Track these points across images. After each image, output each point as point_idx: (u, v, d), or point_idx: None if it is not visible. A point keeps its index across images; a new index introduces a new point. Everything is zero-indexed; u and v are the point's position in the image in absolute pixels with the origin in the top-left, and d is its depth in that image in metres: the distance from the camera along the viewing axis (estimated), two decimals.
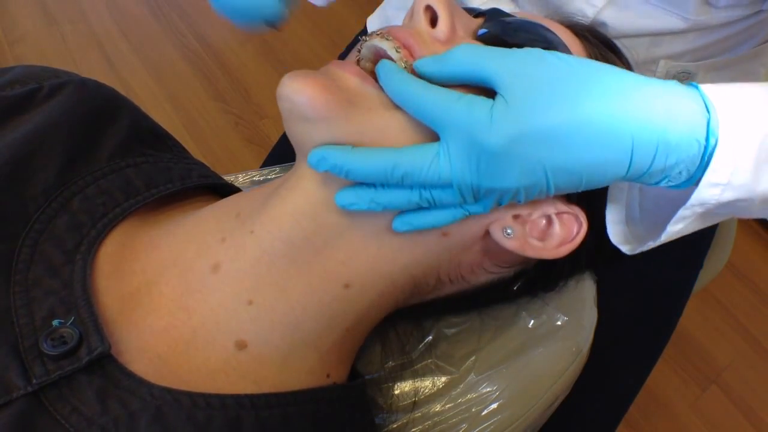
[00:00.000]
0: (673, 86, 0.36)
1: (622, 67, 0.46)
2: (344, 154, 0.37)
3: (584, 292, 0.57)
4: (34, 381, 0.36)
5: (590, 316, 0.56)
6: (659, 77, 0.64)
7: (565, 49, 0.43)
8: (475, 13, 0.46)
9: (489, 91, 0.36)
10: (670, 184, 0.37)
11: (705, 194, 0.36)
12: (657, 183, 0.37)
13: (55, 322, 0.38)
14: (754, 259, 1.46)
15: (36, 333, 0.38)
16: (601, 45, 0.47)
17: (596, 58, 0.44)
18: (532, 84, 0.34)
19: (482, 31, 0.43)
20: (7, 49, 1.75)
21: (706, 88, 0.36)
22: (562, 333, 0.55)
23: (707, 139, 0.35)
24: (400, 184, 0.37)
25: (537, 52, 0.36)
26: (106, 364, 0.37)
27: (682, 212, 0.38)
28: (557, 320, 0.55)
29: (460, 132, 0.35)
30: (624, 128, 0.34)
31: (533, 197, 0.37)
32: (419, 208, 0.39)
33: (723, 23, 0.60)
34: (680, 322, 0.73)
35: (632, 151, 0.34)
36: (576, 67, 0.35)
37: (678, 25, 0.60)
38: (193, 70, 1.76)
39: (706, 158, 0.35)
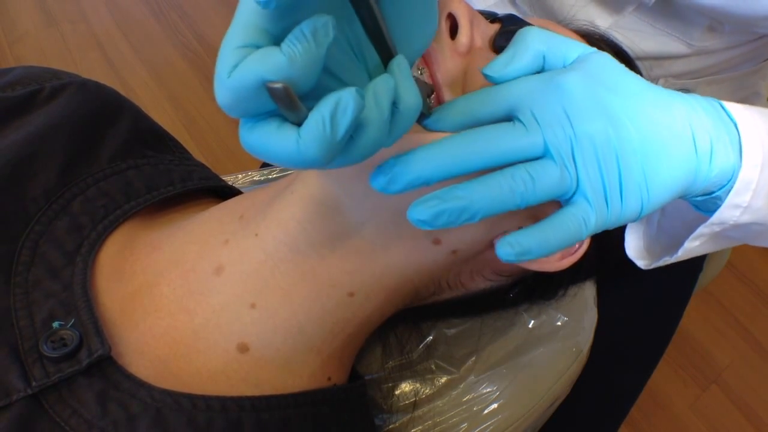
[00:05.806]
0: (712, 111, 0.35)
1: None
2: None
3: (584, 292, 0.57)
4: (34, 383, 0.36)
5: (590, 316, 0.56)
6: None
7: None
8: (491, 18, 0.45)
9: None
10: (688, 198, 0.38)
11: (726, 215, 0.37)
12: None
13: (55, 324, 0.38)
14: (754, 259, 1.45)
15: (36, 335, 0.38)
16: (615, 56, 0.47)
17: None
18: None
19: (500, 42, 0.41)
20: (7, 49, 1.75)
21: (734, 111, 0.36)
22: (562, 333, 0.55)
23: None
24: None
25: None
26: (106, 367, 0.37)
27: (701, 230, 0.38)
28: (557, 320, 0.55)
29: None
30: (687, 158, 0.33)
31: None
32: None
33: (726, 47, 0.60)
34: (680, 322, 0.73)
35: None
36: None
37: (682, 50, 0.60)
38: (193, 70, 1.76)
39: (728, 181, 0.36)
